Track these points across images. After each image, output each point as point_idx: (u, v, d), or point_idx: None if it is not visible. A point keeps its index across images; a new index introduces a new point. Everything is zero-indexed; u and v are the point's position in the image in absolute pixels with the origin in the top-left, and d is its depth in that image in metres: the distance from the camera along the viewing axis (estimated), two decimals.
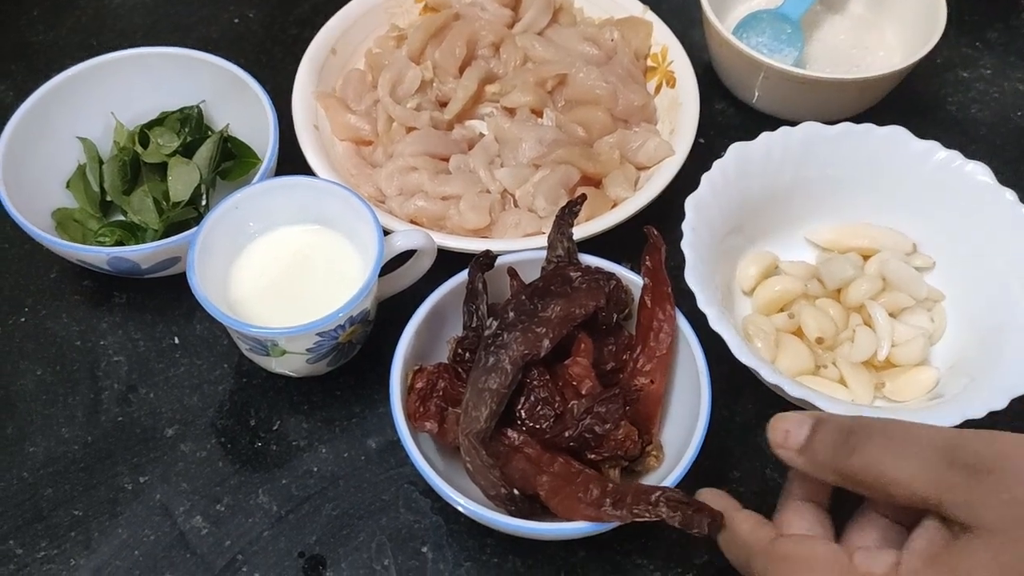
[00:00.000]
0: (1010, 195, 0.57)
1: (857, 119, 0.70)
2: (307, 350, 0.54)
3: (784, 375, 0.51)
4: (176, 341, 0.61)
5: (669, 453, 0.51)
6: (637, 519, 0.44)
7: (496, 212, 0.63)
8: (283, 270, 0.57)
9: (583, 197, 0.56)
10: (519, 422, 0.49)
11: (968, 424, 0.48)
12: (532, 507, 0.48)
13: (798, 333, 0.58)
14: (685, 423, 0.51)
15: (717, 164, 0.58)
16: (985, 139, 0.72)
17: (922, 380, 0.56)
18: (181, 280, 0.57)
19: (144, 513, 0.54)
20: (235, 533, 0.53)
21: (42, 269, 0.64)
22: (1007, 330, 0.54)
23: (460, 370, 0.51)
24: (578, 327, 0.51)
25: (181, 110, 0.66)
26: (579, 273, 0.52)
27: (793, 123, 0.70)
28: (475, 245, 0.60)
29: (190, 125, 0.65)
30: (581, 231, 0.61)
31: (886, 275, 0.59)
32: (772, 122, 0.71)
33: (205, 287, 0.53)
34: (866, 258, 0.61)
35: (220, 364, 0.59)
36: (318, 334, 0.53)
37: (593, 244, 0.61)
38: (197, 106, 0.66)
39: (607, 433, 0.48)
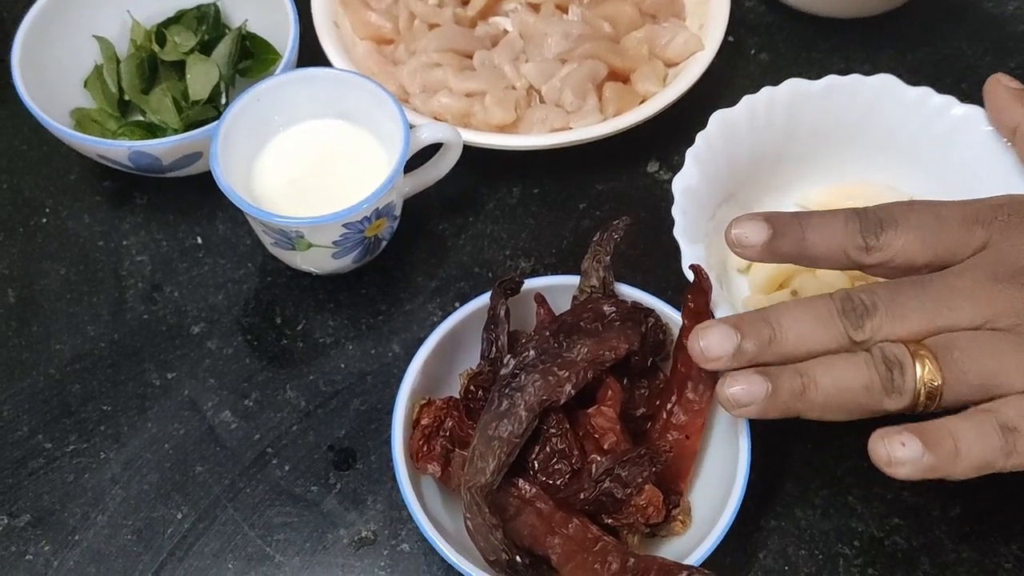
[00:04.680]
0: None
1: (892, 15, 0.68)
2: (333, 243, 0.53)
3: None
4: (199, 241, 0.60)
5: (698, 516, 0.47)
6: None
7: (522, 108, 0.61)
8: (307, 165, 0.56)
9: (624, 222, 0.50)
10: (532, 473, 0.45)
11: None
12: (539, 570, 0.44)
13: None
14: (717, 484, 0.46)
15: (700, 136, 0.54)
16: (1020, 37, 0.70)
17: None
18: (202, 181, 0.57)
19: (173, 408, 0.54)
20: (264, 427, 0.53)
21: (61, 171, 0.63)
22: None
23: (472, 406, 0.47)
24: (607, 370, 0.46)
25: (198, 7, 0.64)
26: (613, 308, 0.47)
27: (825, 19, 0.69)
28: (501, 141, 0.59)
29: (207, 23, 0.64)
30: (610, 126, 0.59)
31: None
32: (802, 19, 0.69)
33: (229, 180, 0.52)
34: None
35: (244, 264, 0.59)
36: (344, 225, 0.52)
37: (621, 139, 0.60)
38: (214, 3, 0.64)
39: (627, 498, 0.43)
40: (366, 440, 0.52)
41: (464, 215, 0.61)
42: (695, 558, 0.43)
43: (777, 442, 0.53)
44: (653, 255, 0.59)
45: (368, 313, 0.57)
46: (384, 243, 0.57)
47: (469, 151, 0.58)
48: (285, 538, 0.50)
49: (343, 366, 0.55)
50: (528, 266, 0.59)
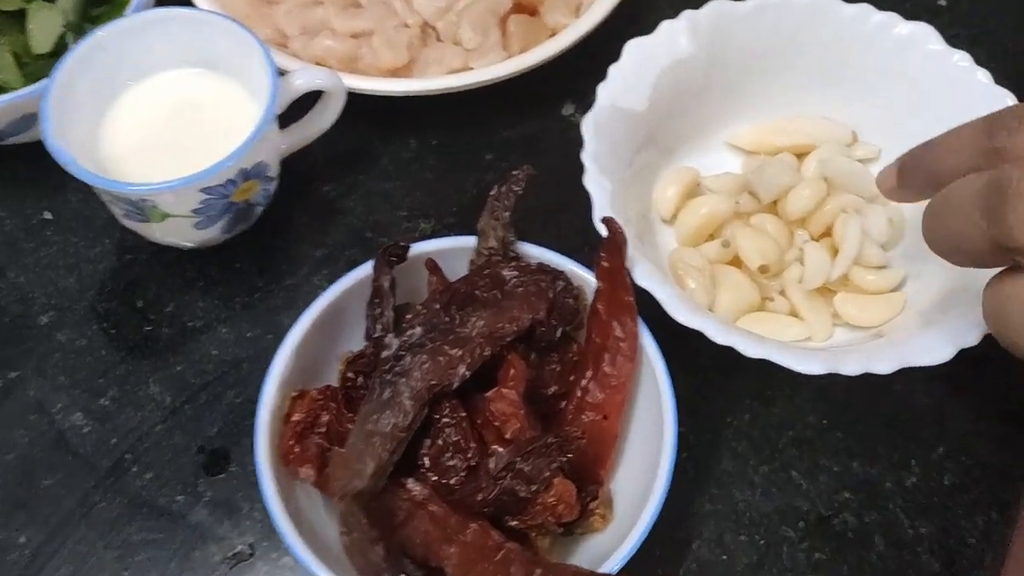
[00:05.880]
0: (962, 59, 0.48)
1: None
2: (193, 211, 0.46)
3: (732, 326, 0.43)
4: (48, 216, 0.52)
5: (621, 508, 0.41)
6: None
7: (416, 48, 0.54)
8: (165, 122, 0.49)
9: (526, 173, 0.44)
10: (424, 470, 0.39)
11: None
12: None
13: (735, 263, 0.49)
14: (642, 468, 0.40)
15: (613, 69, 0.48)
16: None
17: (891, 298, 0.47)
18: None
19: (16, 412, 0.46)
20: (123, 429, 0.46)
21: None
22: None
23: (353, 396, 0.40)
24: (509, 345, 0.40)
25: None
26: (515, 272, 0.41)
27: None
28: (392, 86, 0.52)
29: None
30: (516, 64, 0.53)
31: (828, 175, 0.49)
32: None
33: (65, 140, 0.44)
34: (801, 158, 0.51)
35: (100, 240, 0.51)
36: (203, 190, 0.45)
37: (530, 79, 0.53)
38: None
39: (533, 496, 0.37)
40: (241, 437, 0.46)
41: (353, 173, 0.54)
42: (618, 558, 0.37)
43: (710, 415, 0.47)
44: (569, 209, 0.52)
45: (243, 290, 0.50)
46: (259, 209, 0.50)
47: (357, 100, 0.51)
48: (147, 558, 0.43)
49: (215, 353, 0.48)
50: (428, 227, 0.52)
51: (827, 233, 0.49)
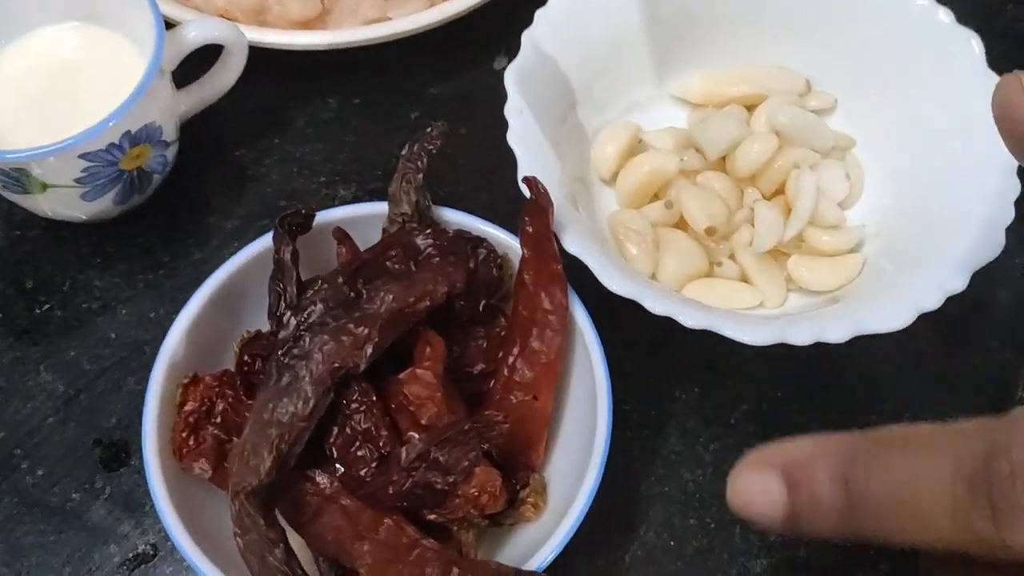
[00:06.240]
0: None
1: None
2: (76, 181, 0.41)
3: (672, 295, 0.39)
4: None
5: (556, 494, 0.37)
6: None
7: None
8: (46, 84, 0.45)
9: (440, 130, 0.40)
10: (332, 461, 0.35)
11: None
12: None
13: (681, 225, 0.45)
14: (578, 451, 0.37)
15: (540, 15, 0.44)
16: None
17: (848, 260, 0.44)
18: None
19: None
20: (10, 423, 0.42)
21: None
22: (940, 163, 0.42)
23: (253, 382, 0.36)
24: (426, 320, 0.36)
25: None
26: (430, 240, 0.37)
27: None
28: (304, 39, 0.48)
29: None
30: (440, 13, 0.49)
31: (779, 128, 0.45)
32: None
33: None
34: (751, 110, 0.48)
35: None
36: (83, 157, 0.40)
37: (459, 29, 0.49)
38: None
39: (452, 487, 0.34)
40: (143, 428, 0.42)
41: (268, 136, 0.50)
42: (548, 548, 0.34)
43: (657, 389, 0.43)
44: (501, 170, 0.47)
45: (145, 267, 0.46)
46: (157, 177, 0.45)
47: (269, 55, 0.47)
48: (39, 562, 0.39)
49: (113, 336, 0.44)
50: (349, 194, 0.48)
51: (779, 191, 0.45)
